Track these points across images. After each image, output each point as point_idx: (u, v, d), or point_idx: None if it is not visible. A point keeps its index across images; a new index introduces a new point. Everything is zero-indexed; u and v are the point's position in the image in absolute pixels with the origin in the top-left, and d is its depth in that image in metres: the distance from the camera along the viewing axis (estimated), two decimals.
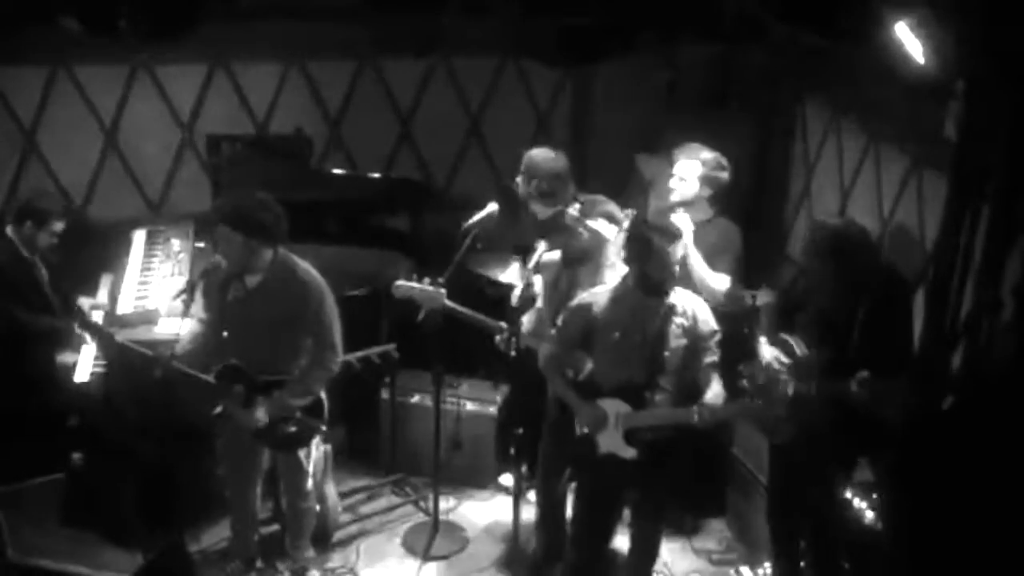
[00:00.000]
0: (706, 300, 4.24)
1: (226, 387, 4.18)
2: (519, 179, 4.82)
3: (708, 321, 4.04)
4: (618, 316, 4.00)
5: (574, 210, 4.45)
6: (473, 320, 4.74)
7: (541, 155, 4.81)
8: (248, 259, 4.10)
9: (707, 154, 4.78)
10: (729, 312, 4.69)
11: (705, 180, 4.75)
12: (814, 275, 4.08)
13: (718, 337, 4.05)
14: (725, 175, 4.77)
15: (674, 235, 3.94)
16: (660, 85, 6.55)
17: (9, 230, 4.91)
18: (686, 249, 4.25)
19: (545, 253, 4.67)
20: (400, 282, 4.69)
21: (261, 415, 4.18)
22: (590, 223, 4.36)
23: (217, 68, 6.42)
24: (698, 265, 4.60)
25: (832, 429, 3.97)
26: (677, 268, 3.97)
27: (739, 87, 6.29)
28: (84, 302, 5.21)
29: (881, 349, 3.83)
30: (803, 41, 4.48)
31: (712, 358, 4.03)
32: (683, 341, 3.98)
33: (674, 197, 4.78)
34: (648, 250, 3.89)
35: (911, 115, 4.71)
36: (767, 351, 4.21)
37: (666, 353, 3.97)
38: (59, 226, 4.95)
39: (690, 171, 4.77)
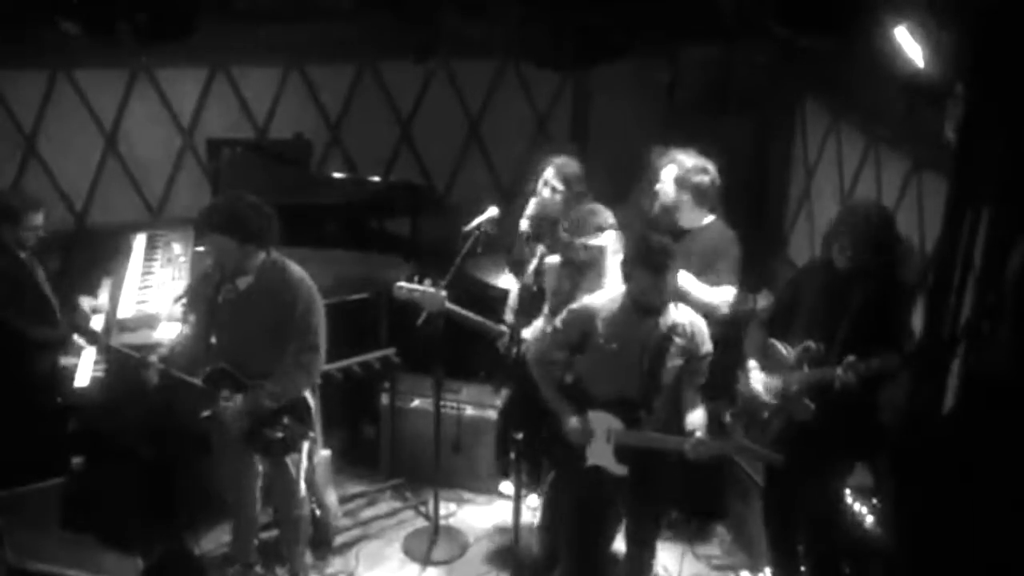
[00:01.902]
0: (707, 314, 4.21)
1: (214, 391, 4.17)
2: (555, 193, 4.80)
3: (705, 342, 4.00)
4: (618, 328, 3.97)
5: (564, 233, 4.45)
6: (474, 323, 4.73)
7: (567, 161, 4.87)
8: (241, 262, 4.10)
9: (686, 157, 4.70)
10: (730, 316, 4.69)
11: (680, 183, 4.67)
12: (865, 258, 3.97)
13: (710, 359, 4.02)
14: (704, 179, 4.65)
15: (666, 261, 3.83)
16: (660, 87, 6.55)
17: None
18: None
19: (546, 257, 4.68)
20: (401, 283, 4.68)
21: (242, 418, 4.15)
22: (582, 241, 4.37)
23: (217, 72, 6.42)
24: (695, 290, 4.50)
25: (821, 424, 3.98)
26: (669, 292, 3.90)
27: (739, 89, 6.29)
28: (84, 302, 5.21)
29: (877, 335, 3.86)
30: (803, 43, 4.47)
31: (699, 380, 4.01)
32: (679, 361, 3.95)
33: (657, 203, 4.76)
34: (637, 275, 3.84)
35: (911, 117, 4.71)
36: (756, 378, 4.22)
37: (663, 371, 3.94)
38: (38, 219, 4.88)
39: (666, 175, 4.73)
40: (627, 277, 3.90)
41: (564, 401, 4.07)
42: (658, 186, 4.79)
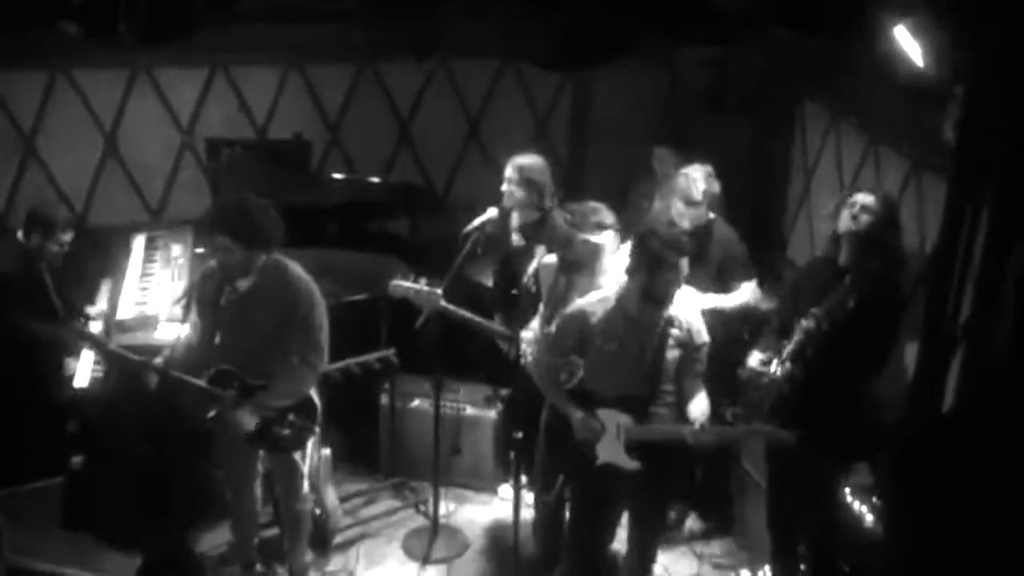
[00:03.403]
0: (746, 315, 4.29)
1: (219, 391, 4.17)
2: (512, 188, 4.84)
3: (701, 332, 4.01)
4: (615, 327, 3.97)
5: (564, 221, 4.46)
6: (470, 323, 4.73)
7: (534, 160, 4.89)
8: (245, 265, 4.10)
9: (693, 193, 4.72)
10: (738, 315, 4.70)
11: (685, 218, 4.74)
12: (878, 250, 4.01)
13: (707, 349, 4.03)
14: (706, 209, 4.73)
15: (683, 249, 3.84)
16: (660, 88, 6.56)
17: (20, 237, 4.94)
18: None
19: (544, 257, 4.69)
20: (396, 281, 4.69)
21: (248, 419, 4.16)
22: (582, 236, 4.37)
23: (216, 72, 6.42)
24: (719, 302, 4.57)
25: (814, 423, 4.00)
26: (682, 283, 3.91)
27: (738, 90, 6.29)
28: (91, 311, 5.22)
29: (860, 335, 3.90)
30: (802, 44, 4.48)
31: (699, 368, 4.02)
32: (676, 352, 3.96)
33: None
34: (656, 264, 3.81)
35: (910, 118, 4.72)
36: (755, 357, 4.23)
37: (664, 363, 3.94)
38: (67, 236, 4.99)
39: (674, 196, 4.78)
40: (652, 270, 3.82)
41: (570, 402, 4.07)
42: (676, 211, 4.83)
